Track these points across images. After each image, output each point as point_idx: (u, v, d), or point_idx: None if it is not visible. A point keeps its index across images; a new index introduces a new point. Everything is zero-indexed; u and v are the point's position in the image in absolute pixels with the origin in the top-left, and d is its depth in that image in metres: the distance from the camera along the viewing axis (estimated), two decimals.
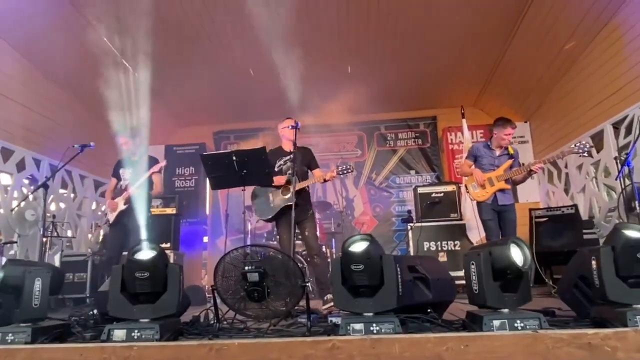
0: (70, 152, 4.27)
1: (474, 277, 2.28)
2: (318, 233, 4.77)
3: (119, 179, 4.58)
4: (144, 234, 4.33)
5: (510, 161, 4.42)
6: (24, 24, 4.85)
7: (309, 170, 4.28)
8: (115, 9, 5.00)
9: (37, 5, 4.73)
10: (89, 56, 5.62)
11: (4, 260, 4.78)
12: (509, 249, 2.23)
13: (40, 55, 5.33)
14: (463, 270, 2.43)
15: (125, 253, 4.47)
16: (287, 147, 4.23)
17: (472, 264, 2.29)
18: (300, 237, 4.40)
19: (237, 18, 5.30)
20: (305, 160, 4.23)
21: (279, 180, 4.06)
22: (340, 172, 3.90)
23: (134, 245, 2.50)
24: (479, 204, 4.49)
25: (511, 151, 4.49)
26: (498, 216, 4.43)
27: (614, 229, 2.27)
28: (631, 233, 2.17)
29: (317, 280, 4.27)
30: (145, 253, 2.39)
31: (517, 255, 2.24)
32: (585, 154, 4.28)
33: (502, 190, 4.37)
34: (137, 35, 5.50)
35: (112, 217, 4.40)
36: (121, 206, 4.35)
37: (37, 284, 2.42)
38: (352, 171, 3.97)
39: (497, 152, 4.51)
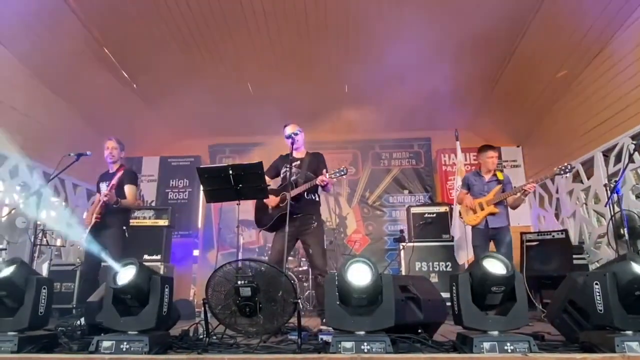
0: (65, 160, 4.23)
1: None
2: None
3: (100, 193, 4.45)
4: (118, 247, 4.15)
5: (499, 186, 4.57)
6: (25, 31, 4.88)
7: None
8: (116, 20, 5.07)
9: (39, 13, 4.77)
10: (89, 66, 5.68)
11: None
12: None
13: (40, 64, 5.35)
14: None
15: (105, 263, 4.37)
16: (296, 153, 4.04)
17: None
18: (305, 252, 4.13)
19: (236, 33, 5.38)
20: (312, 166, 4.01)
21: (270, 201, 3.95)
22: (332, 175, 3.74)
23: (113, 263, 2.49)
24: (472, 228, 4.67)
25: (500, 177, 4.66)
26: (493, 239, 4.54)
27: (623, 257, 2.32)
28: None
29: (318, 301, 4.08)
30: (125, 274, 2.36)
31: None
32: (568, 174, 4.49)
33: (492, 214, 4.49)
34: (136, 46, 5.58)
35: (87, 232, 4.19)
36: (92, 221, 4.13)
37: (44, 292, 2.41)
38: (345, 174, 3.78)
39: (487, 179, 4.68)
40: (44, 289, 2.41)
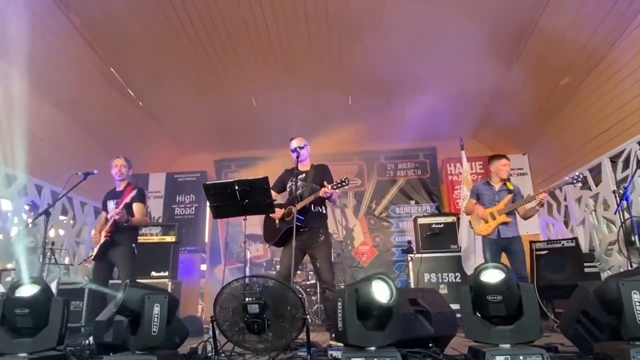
0: (73, 179, 4.28)
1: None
2: None
3: (107, 212, 4.43)
4: (129, 265, 4.17)
5: (510, 196, 4.51)
6: (31, 51, 4.96)
7: None
8: (121, 39, 5.15)
9: (46, 34, 4.86)
10: (96, 85, 5.76)
11: (1, 288, 4.74)
12: None
13: (47, 83, 5.42)
14: None
15: (113, 281, 4.38)
16: (301, 166, 4.02)
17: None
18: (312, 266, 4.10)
19: (239, 47, 5.44)
20: (317, 178, 3.96)
21: (275, 215, 3.90)
22: (335, 187, 3.71)
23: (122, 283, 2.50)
24: (483, 238, 4.57)
25: (510, 187, 4.59)
26: (505, 249, 4.46)
27: None
28: None
29: (327, 316, 4.04)
30: (127, 295, 2.38)
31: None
32: (580, 184, 4.42)
33: (504, 224, 4.43)
34: (141, 65, 5.65)
35: (95, 251, 4.20)
36: (102, 239, 4.13)
37: (65, 312, 2.46)
38: (347, 184, 3.75)
39: (497, 188, 4.61)
40: (65, 309, 2.45)
